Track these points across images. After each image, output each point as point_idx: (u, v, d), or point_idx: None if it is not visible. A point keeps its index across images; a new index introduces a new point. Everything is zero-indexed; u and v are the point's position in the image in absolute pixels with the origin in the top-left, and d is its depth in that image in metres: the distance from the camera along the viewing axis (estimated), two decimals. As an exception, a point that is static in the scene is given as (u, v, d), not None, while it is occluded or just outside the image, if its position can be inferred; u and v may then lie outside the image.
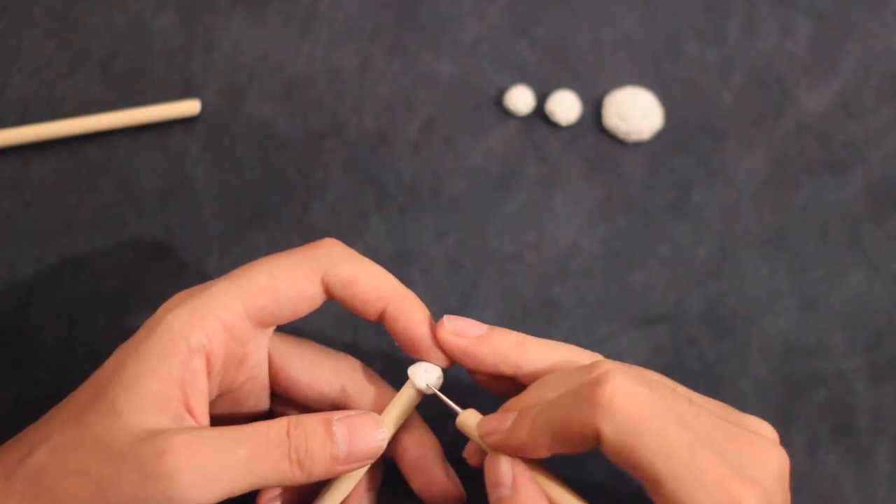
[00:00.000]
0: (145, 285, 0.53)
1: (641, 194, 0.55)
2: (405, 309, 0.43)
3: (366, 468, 0.43)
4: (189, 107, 0.56)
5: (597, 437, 0.38)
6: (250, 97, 0.57)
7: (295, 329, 0.46)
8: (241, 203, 0.55)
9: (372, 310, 0.43)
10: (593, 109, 0.57)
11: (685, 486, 0.37)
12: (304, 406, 0.45)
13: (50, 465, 0.38)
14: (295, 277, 0.42)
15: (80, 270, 0.53)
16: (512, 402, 0.42)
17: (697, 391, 0.43)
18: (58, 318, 0.52)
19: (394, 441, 0.44)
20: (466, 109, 0.57)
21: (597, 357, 0.43)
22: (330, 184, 0.55)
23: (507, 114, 0.57)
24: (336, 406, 0.45)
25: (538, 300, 0.53)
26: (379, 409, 0.44)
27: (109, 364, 0.41)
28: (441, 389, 0.43)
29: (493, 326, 0.44)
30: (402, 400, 0.43)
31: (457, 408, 0.43)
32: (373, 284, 0.43)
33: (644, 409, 0.38)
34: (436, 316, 0.44)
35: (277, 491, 0.45)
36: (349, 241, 0.45)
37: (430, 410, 0.45)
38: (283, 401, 0.46)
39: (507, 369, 0.43)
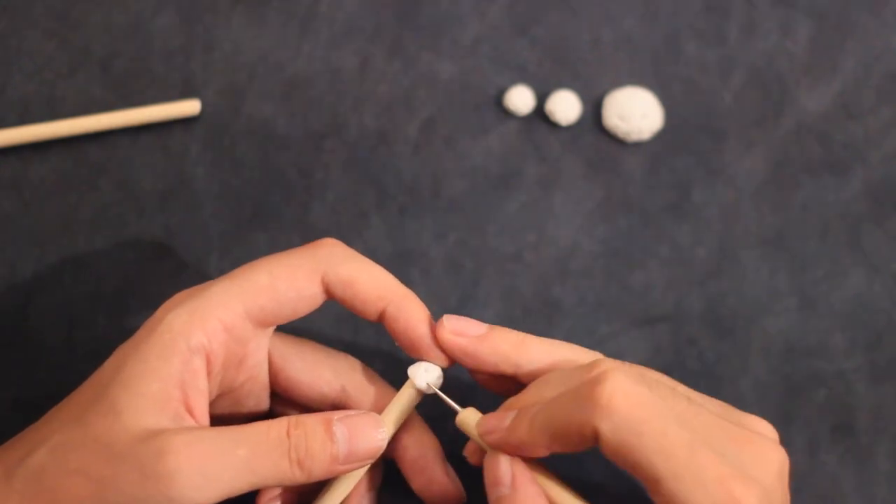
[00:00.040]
0: (145, 285, 0.53)
1: (641, 194, 0.55)
2: (405, 309, 0.43)
3: (366, 468, 0.43)
4: (189, 107, 0.56)
5: (595, 437, 0.38)
6: (250, 97, 0.57)
7: (295, 329, 0.46)
8: (241, 203, 0.55)
9: (372, 310, 0.43)
10: (593, 109, 0.57)
11: (685, 486, 0.37)
12: (304, 406, 0.45)
13: (50, 465, 0.38)
14: (295, 277, 0.42)
15: (80, 270, 0.53)
16: (511, 400, 0.42)
17: (697, 391, 0.43)
18: (58, 318, 0.52)
19: (394, 441, 0.44)
20: (466, 109, 0.57)
21: (597, 356, 0.43)
22: (330, 184, 0.55)
23: (507, 114, 0.57)
24: (336, 406, 0.45)
25: (538, 300, 0.53)
26: (379, 408, 0.44)
27: (109, 364, 0.41)
28: (441, 389, 0.43)
29: (492, 326, 0.44)
30: (402, 400, 0.43)
31: (456, 406, 0.43)
32: (373, 284, 0.43)
33: (643, 409, 0.38)
34: (436, 316, 0.44)
35: (277, 491, 0.45)
36: (349, 241, 0.45)
37: (430, 410, 0.45)
38: (283, 401, 0.46)
39: (507, 368, 0.43)
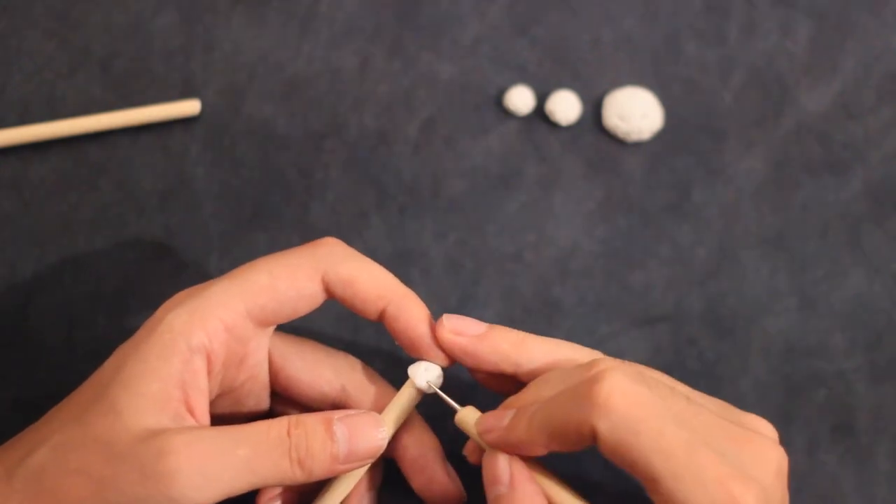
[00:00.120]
0: (145, 285, 0.53)
1: (641, 194, 0.55)
2: (405, 308, 0.43)
3: (366, 467, 0.43)
4: (189, 107, 0.56)
5: (593, 436, 0.38)
6: (250, 97, 0.57)
7: (295, 328, 0.46)
8: (241, 203, 0.55)
9: (372, 309, 0.43)
10: (593, 109, 0.57)
11: (683, 485, 0.37)
12: (305, 405, 0.45)
13: (50, 464, 0.38)
14: (295, 276, 0.42)
15: (80, 270, 0.53)
16: (511, 399, 0.42)
17: (697, 391, 0.43)
18: (58, 318, 0.52)
19: (394, 440, 0.44)
20: (466, 109, 0.57)
21: (597, 355, 0.43)
22: (330, 184, 0.55)
23: (507, 114, 0.57)
24: (336, 405, 0.45)
25: (538, 300, 0.53)
26: (379, 408, 0.44)
27: (109, 364, 0.41)
28: (441, 388, 0.43)
29: (492, 325, 0.44)
30: (403, 399, 0.43)
31: (455, 405, 0.43)
32: (373, 283, 0.43)
33: (641, 408, 0.38)
34: (436, 315, 0.44)
35: (277, 490, 0.45)
36: (349, 241, 0.45)
37: (430, 410, 0.45)
38: (284, 400, 0.46)
39: (507, 367, 0.43)
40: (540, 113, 0.57)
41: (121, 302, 0.53)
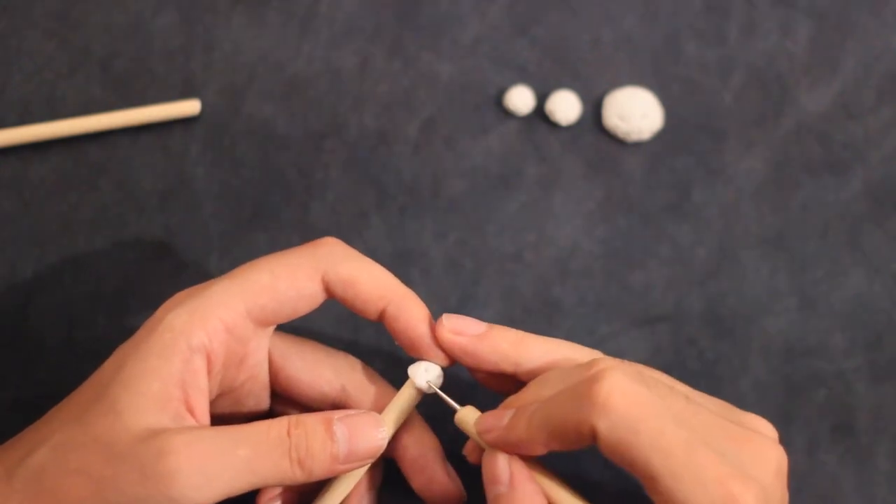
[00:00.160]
0: (145, 285, 0.53)
1: (641, 194, 0.55)
2: (405, 308, 0.43)
3: (366, 467, 0.43)
4: (189, 107, 0.56)
5: (593, 435, 0.38)
6: (250, 97, 0.57)
7: (295, 328, 0.46)
8: (241, 203, 0.55)
9: (372, 309, 0.43)
10: (593, 109, 0.57)
11: (683, 485, 0.37)
12: (305, 405, 0.45)
13: (50, 464, 0.38)
14: (295, 276, 0.42)
15: (80, 270, 0.53)
16: (510, 399, 0.42)
17: (697, 391, 0.43)
18: (58, 318, 0.52)
19: (394, 440, 0.44)
20: (466, 109, 0.57)
21: (597, 354, 0.43)
22: (330, 184, 0.55)
23: (507, 114, 0.57)
24: (336, 405, 0.45)
25: (538, 300, 0.53)
26: (379, 408, 0.44)
27: (110, 364, 0.41)
28: (441, 388, 0.43)
29: (492, 324, 0.44)
30: (403, 399, 0.43)
31: (455, 405, 0.43)
32: (373, 284, 0.43)
33: (640, 407, 0.38)
34: (436, 316, 0.44)
35: (278, 490, 0.45)
36: (349, 241, 0.45)
37: (430, 410, 0.45)
38: (284, 400, 0.46)
39: (507, 367, 0.43)
40: (540, 113, 0.57)
41: (121, 302, 0.53)
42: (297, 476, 0.39)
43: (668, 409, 0.39)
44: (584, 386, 0.39)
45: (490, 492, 0.41)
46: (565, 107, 0.56)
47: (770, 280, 0.54)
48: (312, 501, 0.43)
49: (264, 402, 0.46)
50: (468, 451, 0.44)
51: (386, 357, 0.51)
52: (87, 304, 0.53)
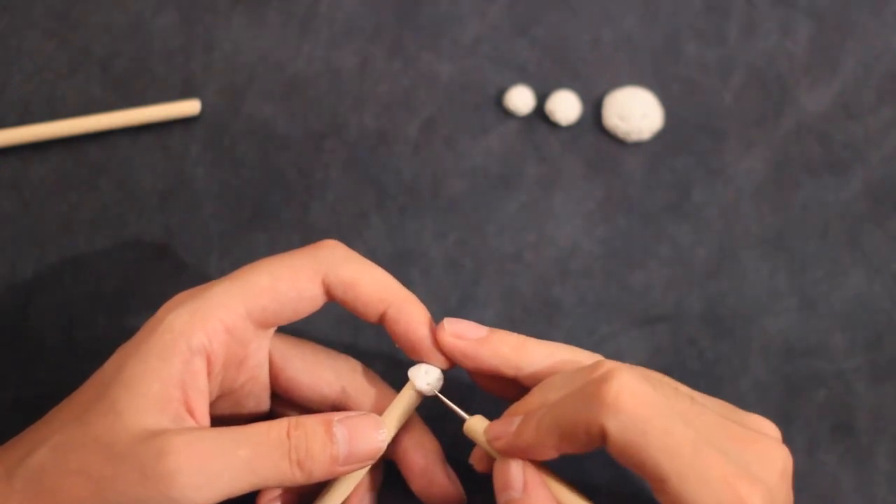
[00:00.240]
0: (145, 285, 0.53)
1: (641, 194, 0.55)
2: (405, 311, 0.43)
3: (366, 469, 0.43)
4: (189, 107, 0.56)
5: (603, 436, 0.38)
6: (250, 97, 0.57)
7: (295, 330, 0.46)
8: (241, 203, 0.55)
9: (372, 311, 0.43)
10: (593, 109, 0.57)
11: (690, 485, 0.37)
12: (305, 407, 0.45)
13: (50, 465, 0.39)
14: (296, 278, 0.42)
15: (80, 270, 0.53)
16: (516, 405, 0.42)
17: (698, 391, 0.43)
18: (58, 318, 0.52)
19: (394, 442, 0.44)
20: (466, 109, 0.57)
21: (597, 358, 0.43)
22: (330, 184, 0.55)
23: (507, 114, 0.57)
24: (336, 407, 0.45)
25: (538, 300, 0.53)
26: (379, 410, 0.44)
27: (110, 364, 0.41)
28: (441, 391, 0.43)
29: (493, 328, 0.44)
30: (403, 401, 0.43)
31: (463, 414, 0.43)
32: (374, 286, 0.43)
33: (649, 408, 0.38)
34: (436, 316, 0.44)
35: (278, 491, 0.45)
36: (349, 241, 0.45)
37: (430, 412, 0.45)
38: (284, 402, 0.46)
39: (507, 371, 0.43)
40: (540, 113, 0.57)
41: (121, 302, 0.53)
42: (297, 477, 0.39)
43: (675, 409, 0.39)
44: (592, 387, 0.39)
45: (501, 498, 0.41)
46: (565, 107, 0.56)
47: (770, 280, 0.54)
48: (313, 503, 0.43)
49: (264, 403, 0.46)
50: (475, 459, 0.43)
51: (386, 359, 0.51)
52: (87, 304, 0.53)
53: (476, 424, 0.42)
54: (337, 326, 0.52)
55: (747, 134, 0.56)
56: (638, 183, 0.55)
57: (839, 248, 0.54)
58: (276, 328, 0.44)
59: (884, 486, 0.50)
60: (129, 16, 0.58)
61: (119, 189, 0.55)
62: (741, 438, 0.39)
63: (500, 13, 0.59)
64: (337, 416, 0.41)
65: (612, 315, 0.53)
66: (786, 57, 0.58)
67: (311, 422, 0.40)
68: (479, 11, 0.59)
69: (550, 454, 0.40)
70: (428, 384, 0.43)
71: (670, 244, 0.54)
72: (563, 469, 0.42)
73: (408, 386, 0.43)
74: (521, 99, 0.56)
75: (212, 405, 0.43)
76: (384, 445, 0.42)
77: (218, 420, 0.44)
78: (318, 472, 0.40)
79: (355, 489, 0.44)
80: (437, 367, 0.43)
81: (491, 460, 0.42)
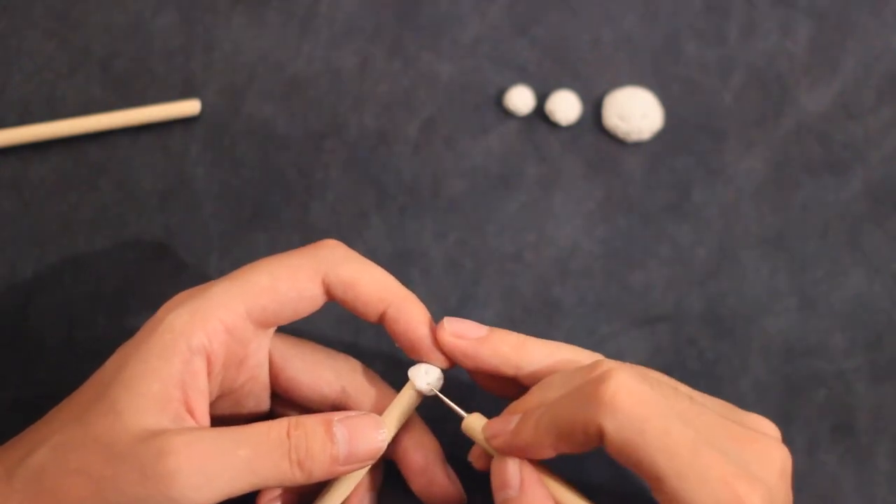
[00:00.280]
0: (145, 285, 0.53)
1: (641, 194, 0.55)
2: (405, 310, 0.43)
3: (366, 469, 0.43)
4: (189, 107, 0.56)
5: (600, 435, 0.38)
6: (250, 97, 0.57)
7: (295, 330, 0.46)
8: (241, 203, 0.55)
9: (372, 311, 0.43)
10: (593, 109, 0.57)
11: (688, 485, 0.37)
12: (305, 407, 0.45)
13: (50, 464, 0.39)
14: (296, 278, 0.42)
15: (80, 270, 0.53)
16: (515, 404, 0.42)
17: (698, 391, 0.43)
18: (58, 318, 0.52)
19: (394, 442, 0.44)
20: (466, 109, 0.57)
21: (597, 357, 0.43)
22: (330, 184, 0.55)
23: (507, 114, 0.57)
24: (336, 407, 0.45)
25: (538, 300, 0.53)
26: (379, 410, 0.44)
27: (110, 364, 0.41)
28: (442, 390, 0.43)
29: (493, 328, 0.44)
30: (403, 401, 0.43)
31: (461, 412, 0.43)
32: (373, 286, 0.43)
33: (646, 407, 0.38)
34: (436, 315, 0.44)
35: (278, 491, 0.45)
36: (349, 241, 0.45)
37: (430, 412, 0.45)
38: (284, 401, 0.46)
39: (507, 370, 0.43)
40: (540, 113, 0.57)
41: (121, 302, 0.53)
42: (297, 477, 0.39)
43: (673, 408, 0.39)
44: (590, 386, 0.39)
45: (499, 496, 0.41)
46: (565, 107, 0.56)
47: (770, 280, 0.54)
48: (313, 502, 0.43)
49: (264, 403, 0.46)
50: (474, 457, 0.43)
51: (386, 359, 0.51)
52: (87, 304, 0.53)
53: (474, 422, 0.43)
54: (337, 326, 0.52)
55: (747, 134, 0.56)
56: (638, 183, 0.55)
57: (839, 248, 0.54)
58: (276, 328, 0.44)
59: (884, 486, 0.50)
60: (129, 16, 0.58)
61: (119, 189, 0.55)
62: (740, 438, 0.39)
63: (500, 13, 0.59)
64: (337, 415, 0.41)
65: (612, 315, 0.53)
66: (786, 57, 0.58)
67: (311, 422, 0.40)
68: (479, 11, 0.59)
69: (548, 453, 0.40)
70: (428, 384, 0.43)
71: (670, 244, 0.54)
72: (562, 469, 0.42)
73: (408, 386, 0.43)
74: (521, 99, 0.56)
75: (212, 405, 0.43)
76: (384, 445, 0.42)
77: (218, 420, 0.44)
78: (319, 472, 0.40)
79: (355, 489, 0.44)
80: (438, 366, 0.43)
81: (489, 458, 0.42)
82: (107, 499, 0.37)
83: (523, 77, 0.57)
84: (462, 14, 0.59)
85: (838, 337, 0.53)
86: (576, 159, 0.56)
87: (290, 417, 0.40)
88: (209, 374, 0.41)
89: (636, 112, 0.56)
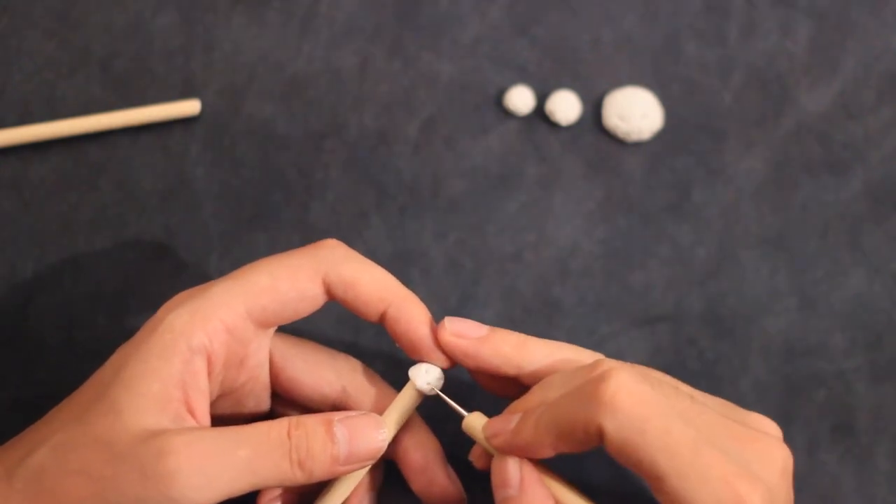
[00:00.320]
0: (145, 285, 0.53)
1: (641, 194, 0.55)
2: (406, 310, 0.43)
3: (367, 469, 0.43)
4: (189, 107, 0.56)
5: (600, 435, 0.38)
6: (250, 97, 0.57)
7: (296, 330, 0.46)
8: (241, 203, 0.55)
9: (373, 311, 0.43)
10: (593, 109, 0.57)
11: (689, 484, 0.37)
12: (305, 407, 0.45)
13: (50, 464, 0.39)
14: (296, 278, 0.42)
15: (80, 270, 0.53)
16: (516, 403, 0.42)
17: (699, 391, 0.43)
18: (58, 318, 0.52)
19: (394, 442, 0.44)
20: (466, 109, 0.57)
21: (598, 356, 0.43)
22: (330, 184, 0.55)
23: (507, 114, 0.57)
24: (337, 407, 0.45)
25: (538, 300, 0.53)
26: (380, 409, 0.44)
27: (110, 364, 0.41)
28: (442, 390, 0.43)
29: (493, 327, 0.44)
30: (403, 401, 0.43)
31: (462, 411, 0.43)
32: (374, 286, 0.43)
33: (647, 407, 0.38)
34: (436, 316, 0.44)
35: (278, 491, 0.45)
36: (349, 241, 0.45)
37: (431, 412, 0.45)
38: (284, 401, 0.46)
39: (508, 370, 0.43)
40: (540, 113, 0.57)
41: (121, 302, 0.53)
42: (298, 477, 0.39)
43: (674, 408, 0.39)
44: (590, 386, 0.39)
45: (499, 495, 0.41)
46: (565, 107, 0.56)
47: (770, 280, 0.54)
48: (313, 502, 0.43)
49: (265, 403, 0.46)
50: (474, 456, 0.43)
51: (387, 359, 0.51)
52: (87, 304, 0.53)
53: (475, 421, 0.43)
54: (337, 326, 0.52)
55: (747, 134, 0.56)
56: (638, 183, 0.55)
57: (839, 248, 0.54)
58: (276, 328, 0.44)
59: (884, 486, 0.50)
60: (129, 16, 0.58)
61: (119, 189, 0.55)
62: (741, 437, 0.39)
63: (500, 13, 0.59)
64: (337, 415, 0.41)
65: (612, 315, 0.53)
66: (786, 57, 0.58)
67: (311, 421, 0.40)
68: (479, 11, 0.59)
69: (548, 452, 0.40)
70: (428, 383, 0.43)
71: (670, 244, 0.54)
72: (562, 469, 0.42)
73: (408, 385, 0.43)
74: (521, 99, 0.56)
75: (212, 405, 0.43)
76: (385, 445, 0.42)
77: (218, 420, 0.44)
78: (319, 472, 0.40)
79: (355, 489, 0.44)
80: (438, 366, 0.43)
81: (490, 458, 0.42)
82: (107, 499, 0.37)
83: (523, 77, 0.57)
84: (462, 14, 0.59)
85: (838, 337, 0.53)
86: (576, 159, 0.56)
87: (291, 417, 0.40)
88: (209, 373, 0.41)
89: (636, 112, 0.56)
